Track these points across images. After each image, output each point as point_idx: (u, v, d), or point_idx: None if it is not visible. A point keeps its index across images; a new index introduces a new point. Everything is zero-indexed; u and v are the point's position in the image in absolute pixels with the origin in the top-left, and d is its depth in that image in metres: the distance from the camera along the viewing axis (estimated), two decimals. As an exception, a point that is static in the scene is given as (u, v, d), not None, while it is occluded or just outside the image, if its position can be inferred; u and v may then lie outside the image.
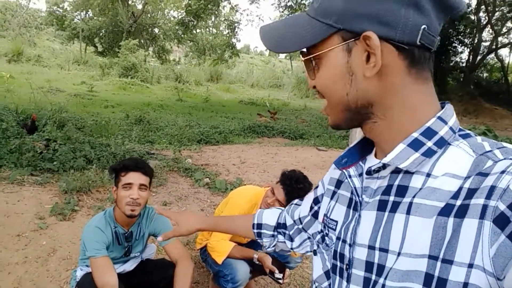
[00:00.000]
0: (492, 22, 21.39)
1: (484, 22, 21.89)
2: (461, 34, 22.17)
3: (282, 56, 47.99)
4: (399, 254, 0.60)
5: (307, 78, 0.73)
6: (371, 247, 0.66)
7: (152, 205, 3.09)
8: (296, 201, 1.10)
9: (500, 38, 23.28)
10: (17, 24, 25.61)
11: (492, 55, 23.48)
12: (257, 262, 2.49)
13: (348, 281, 0.70)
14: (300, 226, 1.03)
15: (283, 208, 1.17)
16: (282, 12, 21.54)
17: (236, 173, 5.52)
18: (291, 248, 1.08)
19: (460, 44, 22.67)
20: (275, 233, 1.11)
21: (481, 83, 23.19)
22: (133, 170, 2.06)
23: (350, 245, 0.70)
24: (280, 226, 1.10)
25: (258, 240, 1.14)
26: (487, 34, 23.84)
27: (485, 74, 25.98)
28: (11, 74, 13.89)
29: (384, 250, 0.63)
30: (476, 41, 22.06)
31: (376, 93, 0.64)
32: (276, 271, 2.39)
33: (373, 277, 0.65)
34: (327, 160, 6.84)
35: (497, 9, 21.51)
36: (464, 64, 23.34)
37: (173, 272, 2.12)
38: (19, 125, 6.36)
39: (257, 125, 10.24)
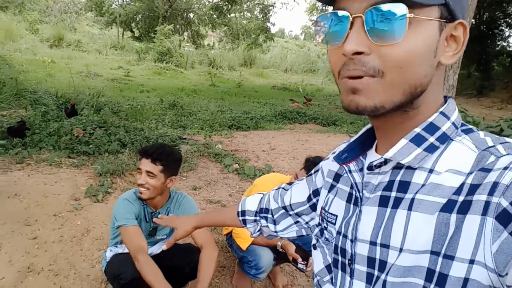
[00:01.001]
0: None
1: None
2: (509, 17, 20.91)
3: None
4: (401, 250, 0.60)
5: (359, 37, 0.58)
6: (372, 243, 0.65)
7: (182, 190, 3.16)
8: (283, 185, 1.09)
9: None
10: (58, 10, 26.45)
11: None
12: (281, 249, 2.51)
13: (351, 276, 0.70)
14: (291, 212, 1.02)
15: (264, 192, 1.16)
16: (318, -5, 21.09)
17: (265, 160, 5.52)
18: (275, 231, 1.08)
19: (508, 27, 21.42)
20: (257, 217, 1.12)
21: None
22: (143, 156, 2.15)
23: (351, 241, 0.70)
24: (262, 211, 1.11)
25: (244, 228, 1.16)
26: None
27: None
28: (52, 59, 14.43)
29: (386, 246, 0.63)
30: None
31: (430, 81, 0.62)
32: (299, 259, 2.40)
33: (376, 272, 0.65)
34: (359, 148, 6.71)
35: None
36: (511, 49, 22.08)
37: (198, 258, 2.17)
38: (59, 109, 6.64)
39: (289, 111, 10.15)
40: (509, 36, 22.17)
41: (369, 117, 0.67)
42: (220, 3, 18.51)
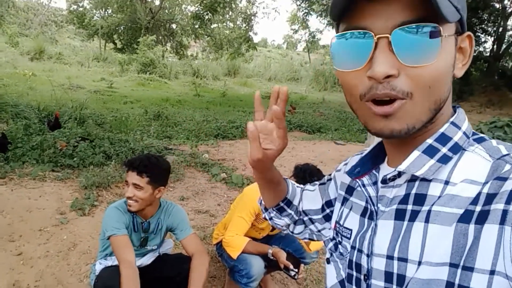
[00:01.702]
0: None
1: (509, 10, 21.19)
2: (485, 23, 21.53)
3: (299, 48, 47.68)
4: (419, 263, 0.59)
5: (391, 62, 0.55)
6: (389, 257, 0.63)
7: (170, 200, 3.13)
8: (307, 186, 1.01)
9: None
10: (39, 23, 26.17)
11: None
12: (272, 257, 2.50)
13: None
14: (305, 217, 0.99)
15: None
16: (299, 5, 21.37)
17: (253, 168, 5.52)
18: (292, 232, 1.02)
19: (484, 33, 22.03)
20: (297, 218, 1.01)
21: (505, 73, 22.46)
22: (129, 169, 2.11)
23: (367, 255, 0.68)
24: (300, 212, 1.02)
25: (273, 210, 1.00)
26: (511, 22, 23.10)
27: (510, 64, 25.18)
28: (33, 72, 14.22)
29: (404, 260, 0.61)
30: (500, 30, 21.39)
31: (449, 91, 0.61)
32: (291, 266, 2.40)
33: (394, 287, 0.63)
34: (345, 154, 6.77)
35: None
36: (488, 54, 22.69)
37: (189, 266, 2.15)
38: (42, 122, 6.53)
39: (274, 119, 10.20)
40: (485, 41, 22.77)
41: (392, 139, 0.64)
42: (201, 12, 18.56)
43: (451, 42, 0.58)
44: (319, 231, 0.97)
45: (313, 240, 1.02)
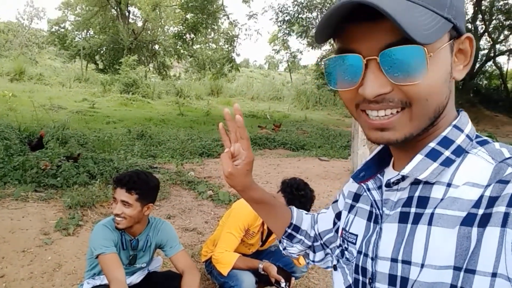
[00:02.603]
0: (489, 30, 21.60)
1: (482, 31, 22.07)
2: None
3: (281, 68, 48.34)
4: (422, 266, 0.59)
5: (379, 82, 0.58)
6: (393, 260, 0.64)
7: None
8: (323, 210, 1.03)
9: (497, 46, 23.48)
10: (19, 44, 25.92)
11: (491, 62, 23.65)
12: (263, 272, 2.49)
13: None
14: (321, 242, 0.99)
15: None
16: (280, 26, 21.78)
17: (239, 185, 5.51)
18: (313, 261, 1.02)
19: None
20: (312, 245, 1.02)
21: (480, 91, 23.29)
22: (118, 185, 2.09)
23: (372, 259, 0.69)
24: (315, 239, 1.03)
25: (283, 240, 1.01)
26: (484, 42, 24.04)
27: (484, 82, 26.08)
28: (13, 92, 13.99)
29: (407, 263, 0.61)
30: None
31: (448, 97, 0.62)
32: (282, 280, 2.39)
33: None
34: (329, 170, 6.85)
35: (493, 18, 21.73)
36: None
37: (179, 283, 2.13)
38: (23, 143, 6.41)
39: (258, 137, 10.27)
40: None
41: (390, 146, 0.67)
42: (182, 33, 18.68)
43: (444, 53, 0.59)
44: (331, 249, 0.97)
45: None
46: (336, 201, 0.95)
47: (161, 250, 2.34)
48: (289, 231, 1.00)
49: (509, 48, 24.63)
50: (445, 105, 0.62)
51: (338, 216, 0.93)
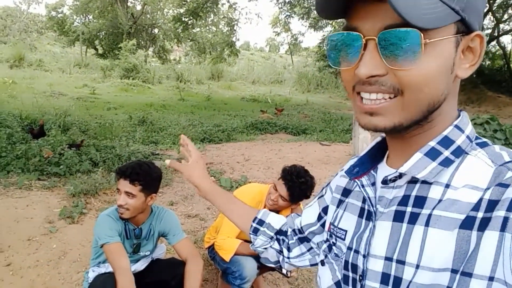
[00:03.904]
0: (494, 9, 21.24)
1: (485, 10, 21.73)
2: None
3: (282, 51, 47.90)
4: (417, 266, 0.59)
5: (367, 62, 0.58)
6: (388, 259, 0.64)
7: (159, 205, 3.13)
8: (293, 214, 1.07)
9: (501, 25, 23.11)
10: (18, 30, 25.72)
11: (494, 42, 23.33)
12: (265, 258, 2.53)
13: None
14: (302, 235, 0.99)
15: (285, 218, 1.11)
16: (281, 8, 21.51)
17: (241, 171, 5.55)
18: (288, 258, 1.02)
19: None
20: (275, 236, 1.05)
21: (483, 71, 23.04)
22: (121, 177, 2.11)
23: (364, 256, 0.68)
24: (281, 233, 1.05)
25: (251, 236, 1.07)
26: (488, 21, 23.67)
27: (487, 62, 25.80)
28: (13, 79, 13.96)
29: (401, 262, 0.61)
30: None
31: (447, 94, 0.61)
32: (284, 266, 2.43)
33: None
34: (331, 155, 6.86)
35: (497, -4, 21.37)
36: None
37: (183, 271, 2.16)
38: (25, 131, 6.43)
39: (260, 122, 10.25)
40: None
41: (377, 132, 0.65)
42: (182, 16, 18.45)
43: (446, 45, 0.57)
44: (319, 246, 0.96)
45: (316, 264, 0.99)
46: (322, 196, 0.95)
47: (164, 238, 2.38)
48: (254, 225, 1.06)
49: (512, 27, 24.30)
50: (440, 101, 0.60)
51: (325, 210, 0.92)
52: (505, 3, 21.79)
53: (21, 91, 12.10)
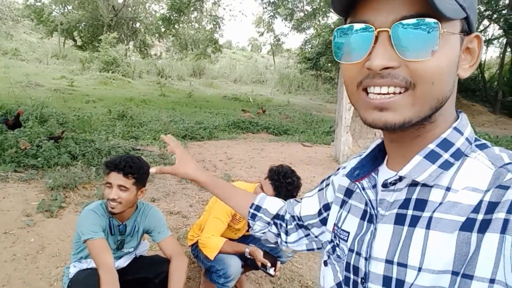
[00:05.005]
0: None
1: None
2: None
3: (264, 51, 47.97)
4: (419, 269, 0.59)
5: (383, 54, 0.57)
6: (388, 262, 0.64)
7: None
8: (292, 200, 1.09)
9: (477, 36, 23.79)
10: (-8, 16, 24.85)
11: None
12: (249, 256, 2.53)
13: None
14: (301, 223, 1.00)
15: (285, 201, 1.13)
16: (265, 8, 21.53)
17: (223, 169, 5.53)
18: (286, 242, 1.04)
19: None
20: (271, 221, 1.07)
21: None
22: (113, 170, 2.07)
23: (365, 259, 0.68)
24: (278, 217, 1.07)
25: (249, 221, 1.09)
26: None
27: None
28: (-13, 68, 13.49)
29: (403, 265, 0.61)
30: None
31: (451, 93, 0.61)
32: (268, 264, 2.43)
33: None
34: (313, 156, 6.92)
35: (474, 8, 21.98)
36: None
37: (167, 269, 2.14)
38: (0, 121, 6.22)
39: (242, 121, 10.26)
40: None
41: (385, 131, 0.64)
42: (168, 14, 18.27)
43: (455, 40, 0.58)
44: (317, 236, 0.98)
45: (312, 249, 1.02)
46: (322, 189, 0.95)
47: (148, 235, 2.34)
48: (252, 211, 1.09)
49: (487, 38, 25.07)
50: (447, 98, 0.60)
51: (325, 207, 0.92)
52: (480, 14, 22.46)
53: (-5, 80, 11.70)
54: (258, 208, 1.08)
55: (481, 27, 23.90)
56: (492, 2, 18.73)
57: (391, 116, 0.58)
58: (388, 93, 0.58)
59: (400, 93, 0.58)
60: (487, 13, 21.92)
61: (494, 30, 24.58)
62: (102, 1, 24.36)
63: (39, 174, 4.20)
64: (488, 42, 24.93)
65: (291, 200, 1.09)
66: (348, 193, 0.82)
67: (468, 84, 23.66)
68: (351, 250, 0.73)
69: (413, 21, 0.54)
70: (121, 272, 2.17)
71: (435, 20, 0.54)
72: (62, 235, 3.12)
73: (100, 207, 2.15)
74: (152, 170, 1.14)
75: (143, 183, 2.16)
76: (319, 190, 0.97)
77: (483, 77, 23.73)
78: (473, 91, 22.73)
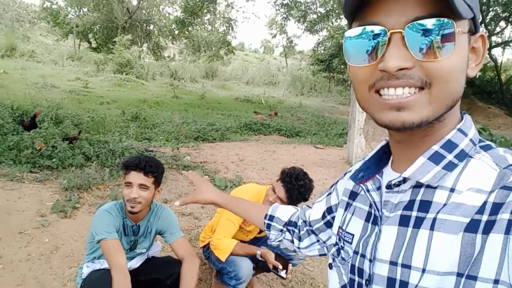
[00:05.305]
0: (486, 21, 21.54)
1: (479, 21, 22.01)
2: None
3: (276, 53, 47.98)
4: (423, 270, 0.59)
5: (399, 55, 0.56)
6: (393, 263, 0.63)
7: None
8: (305, 206, 1.11)
9: (493, 38, 23.45)
10: (10, 19, 25.32)
11: (486, 54, 23.66)
12: (260, 258, 2.52)
13: None
14: (311, 228, 1.01)
15: (298, 208, 1.16)
16: (278, 10, 21.57)
17: (235, 171, 5.53)
18: (298, 248, 1.06)
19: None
20: (284, 229, 1.09)
21: (474, 82, 23.33)
22: (133, 169, 2.09)
23: (370, 260, 0.68)
24: (291, 224, 1.08)
25: (266, 231, 1.14)
26: (480, 33, 23.97)
27: (479, 74, 26.11)
28: (4, 70, 13.75)
29: (407, 267, 0.61)
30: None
31: (462, 92, 0.61)
32: (280, 266, 2.42)
33: None
34: (325, 158, 6.88)
35: (490, 9, 21.66)
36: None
37: (179, 270, 2.15)
38: (16, 122, 6.32)
39: (253, 123, 10.27)
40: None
41: (402, 131, 0.61)
42: (182, 17, 18.43)
43: (465, 40, 0.58)
44: (325, 241, 0.98)
45: (325, 255, 1.02)
46: (330, 193, 0.96)
47: (160, 236, 2.35)
48: (266, 221, 1.13)
49: (504, 40, 24.66)
50: (459, 97, 0.60)
51: (329, 210, 0.94)
52: (497, 16, 22.12)
53: (12, 82, 11.92)
54: (271, 218, 1.13)
55: (498, 29, 23.55)
56: (510, 4, 18.40)
57: (409, 115, 0.58)
58: (403, 94, 0.58)
59: (415, 93, 0.57)
60: (504, 14, 21.58)
61: (511, 32, 24.16)
62: (116, 4, 24.66)
63: (53, 175, 4.25)
64: (505, 44, 24.52)
65: (304, 206, 1.10)
66: (353, 195, 0.82)
67: (484, 86, 23.30)
68: (355, 252, 0.73)
69: (431, 21, 0.54)
70: (133, 273, 2.19)
71: (450, 20, 0.54)
72: (76, 235, 3.15)
73: (115, 207, 2.17)
74: (177, 203, 1.26)
75: (160, 182, 2.21)
76: (328, 195, 0.98)
77: (499, 79, 23.32)
78: (489, 94, 22.35)
